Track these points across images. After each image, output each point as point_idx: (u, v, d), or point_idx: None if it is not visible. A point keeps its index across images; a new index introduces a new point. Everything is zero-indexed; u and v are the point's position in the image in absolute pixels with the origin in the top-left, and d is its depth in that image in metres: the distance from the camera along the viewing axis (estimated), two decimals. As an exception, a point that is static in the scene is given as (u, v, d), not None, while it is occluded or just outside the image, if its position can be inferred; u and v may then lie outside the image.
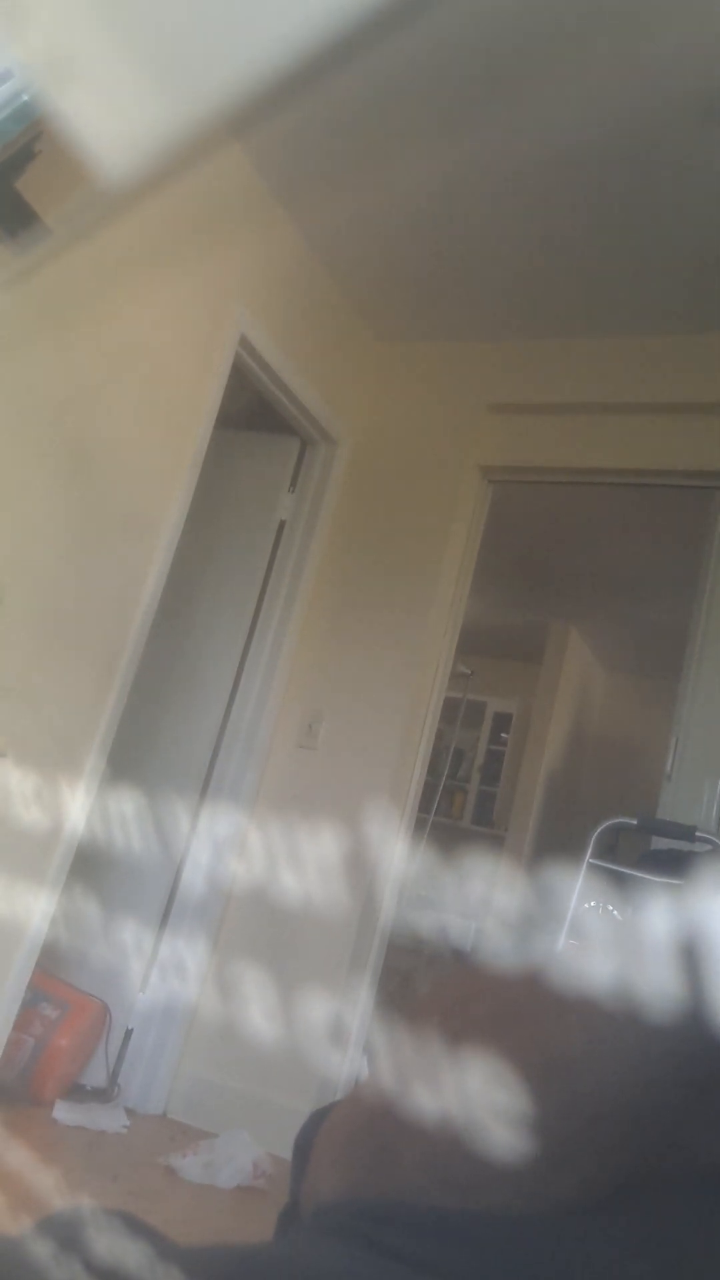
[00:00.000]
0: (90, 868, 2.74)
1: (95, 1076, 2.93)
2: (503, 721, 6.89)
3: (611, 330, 3.14)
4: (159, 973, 3.05)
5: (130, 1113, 2.85)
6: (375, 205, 2.85)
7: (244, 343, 2.93)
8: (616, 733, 6.57)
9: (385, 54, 2.23)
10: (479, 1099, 0.35)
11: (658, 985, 0.32)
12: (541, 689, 6.29)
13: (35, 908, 2.51)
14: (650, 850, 2.65)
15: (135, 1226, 0.40)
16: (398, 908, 3.27)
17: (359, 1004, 2.94)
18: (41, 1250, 0.35)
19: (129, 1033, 3.01)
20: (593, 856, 2.50)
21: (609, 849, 2.59)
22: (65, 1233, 0.37)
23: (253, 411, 3.27)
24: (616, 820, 2.58)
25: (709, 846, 2.47)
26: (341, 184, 2.79)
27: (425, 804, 4.88)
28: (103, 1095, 2.89)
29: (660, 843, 2.62)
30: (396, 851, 3.08)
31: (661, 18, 2.04)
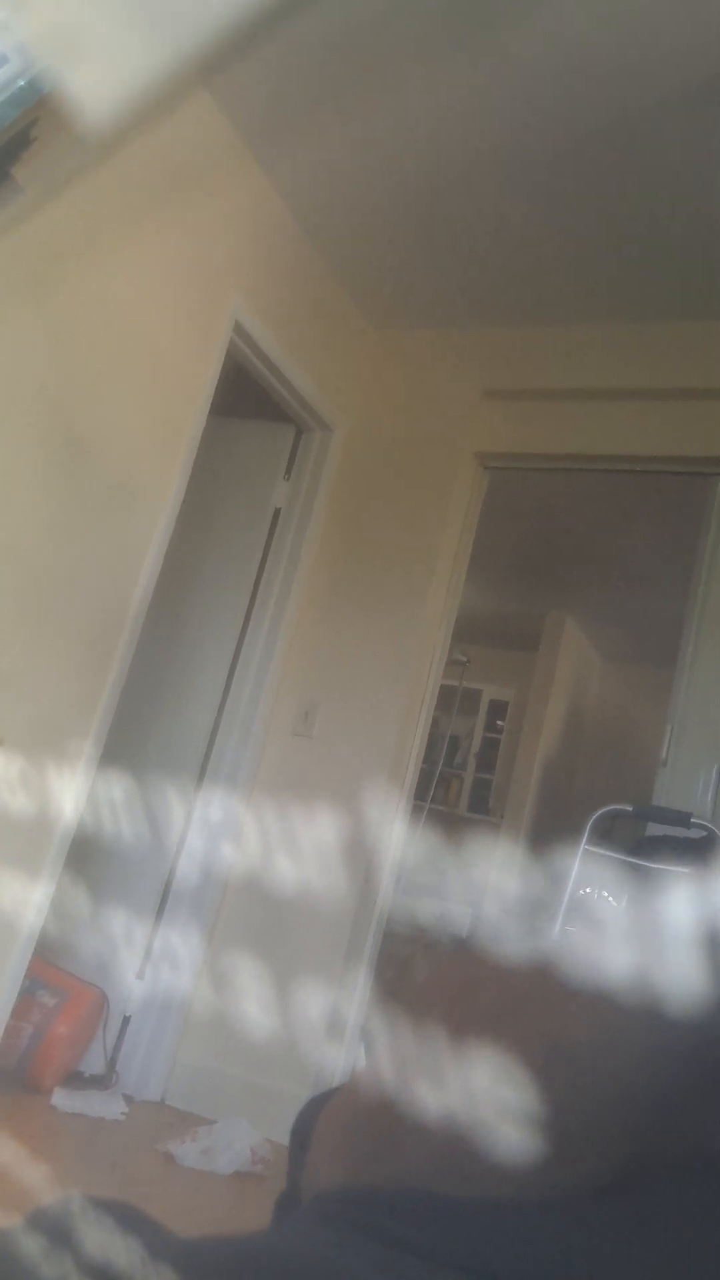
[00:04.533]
0: (86, 855, 2.74)
1: (93, 1064, 2.94)
2: (499, 709, 6.90)
3: (608, 316, 3.13)
4: (156, 960, 3.06)
5: (128, 1100, 2.86)
6: (371, 190, 2.83)
7: (238, 330, 2.92)
8: (612, 720, 6.58)
9: (370, 26, 2.21)
10: (482, 1088, 0.35)
11: (663, 975, 0.32)
12: (537, 677, 6.29)
13: (32, 896, 2.51)
14: (646, 836, 2.66)
15: (134, 1217, 0.40)
16: (394, 894, 3.28)
17: (356, 990, 2.95)
18: (38, 1242, 0.35)
19: (127, 1020, 3.02)
20: (589, 843, 2.50)
21: (605, 835, 2.60)
22: (63, 1223, 0.37)
23: (247, 399, 3.26)
24: (612, 807, 2.59)
25: (704, 832, 2.47)
26: (337, 167, 2.77)
27: (421, 791, 4.89)
28: (101, 1082, 2.90)
29: (656, 829, 2.63)
30: (393, 839, 3.09)
31: None
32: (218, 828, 3.11)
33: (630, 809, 2.60)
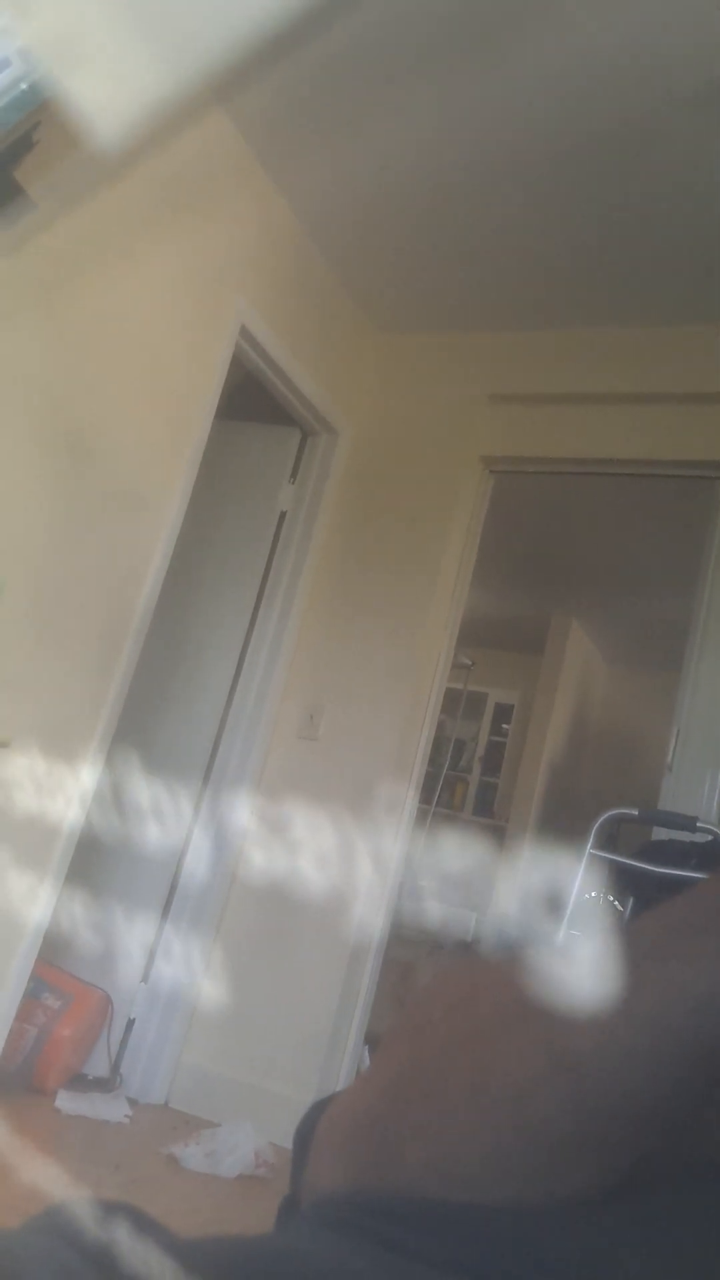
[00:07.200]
0: (92, 857, 2.74)
1: (97, 1066, 2.93)
2: (504, 712, 6.89)
3: (613, 320, 3.13)
4: (161, 962, 3.05)
5: (132, 1103, 2.86)
6: (376, 194, 2.84)
7: (244, 333, 2.92)
8: (617, 724, 6.56)
9: (375, 30, 2.21)
10: (485, 1095, 0.35)
11: (664, 982, 0.32)
12: (543, 680, 6.29)
13: (38, 898, 2.51)
14: (651, 841, 2.65)
15: (137, 1219, 0.39)
16: (399, 898, 3.27)
17: (361, 994, 2.95)
18: (42, 1244, 0.35)
19: (131, 1022, 3.01)
20: (593, 847, 2.50)
21: (610, 840, 2.59)
22: (65, 1225, 0.37)
23: (253, 402, 3.27)
24: (617, 811, 2.58)
25: (710, 837, 2.47)
26: (341, 170, 2.77)
27: (426, 795, 4.88)
28: (105, 1085, 2.90)
29: (661, 834, 2.62)
30: (398, 842, 3.08)
31: (659, 2, 2.03)
32: (223, 830, 3.11)
33: (635, 813, 2.59)
